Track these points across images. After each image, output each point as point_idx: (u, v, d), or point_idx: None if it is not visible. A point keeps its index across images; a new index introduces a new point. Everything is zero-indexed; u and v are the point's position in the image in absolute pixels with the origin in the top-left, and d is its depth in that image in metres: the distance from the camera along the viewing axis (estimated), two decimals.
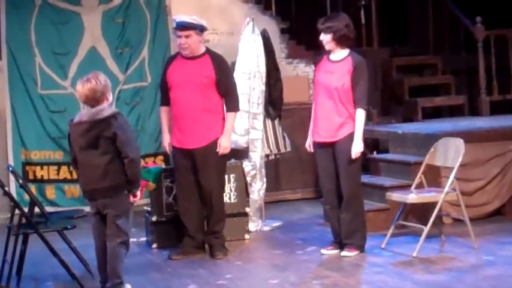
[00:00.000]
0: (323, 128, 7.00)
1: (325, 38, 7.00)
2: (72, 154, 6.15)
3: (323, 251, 7.18)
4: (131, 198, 6.07)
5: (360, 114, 6.91)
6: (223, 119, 7.30)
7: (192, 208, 7.35)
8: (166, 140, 7.37)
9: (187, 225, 7.35)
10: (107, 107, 5.98)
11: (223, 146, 7.25)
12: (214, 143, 7.23)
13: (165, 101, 7.39)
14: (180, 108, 7.23)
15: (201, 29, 7.24)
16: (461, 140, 7.18)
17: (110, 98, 6.05)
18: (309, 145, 7.20)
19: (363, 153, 7.20)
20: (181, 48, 7.25)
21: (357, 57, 7.00)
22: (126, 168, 5.94)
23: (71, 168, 9.78)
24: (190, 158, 7.25)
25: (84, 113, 6.03)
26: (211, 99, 7.23)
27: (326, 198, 7.21)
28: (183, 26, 7.18)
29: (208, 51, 7.35)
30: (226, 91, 7.27)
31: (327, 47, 7.03)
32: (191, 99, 7.21)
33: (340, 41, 6.97)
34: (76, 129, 6.01)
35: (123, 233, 6.03)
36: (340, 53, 7.02)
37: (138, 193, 6.14)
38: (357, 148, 6.87)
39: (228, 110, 7.30)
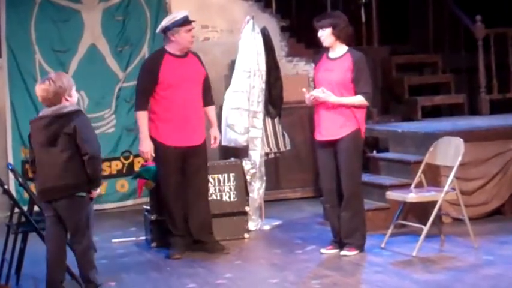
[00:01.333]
0: (325, 126, 7.00)
1: (324, 34, 6.98)
2: (32, 154, 6.04)
3: (322, 250, 7.17)
4: (92, 194, 5.93)
5: (359, 97, 6.88)
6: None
7: (181, 208, 7.36)
8: (151, 146, 7.24)
9: (178, 225, 7.34)
10: (70, 105, 5.90)
11: (219, 137, 7.54)
12: (206, 139, 7.40)
13: (146, 105, 7.28)
14: (181, 107, 7.22)
15: None
16: (461, 139, 7.18)
17: (72, 98, 5.92)
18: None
19: (363, 152, 7.19)
20: (190, 42, 7.30)
21: (356, 53, 7.00)
22: (86, 166, 5.81)
23: None
24: (183, 157, 7.26)
25: (46, 109, 5.95)
26: (200, 95, 7.37)
27: (326, 197, 7.21)
28: (190, 21, 7.30)
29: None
30: (209, 86, 7.48)
31: (326, 43, 7.01)
32: (191, 96, 7.26)
33: (339, 35, 6.95)
34: (36, 125, 5.93)
35: (86, 236, 5.90)
36: (339, 50, 7.00)
37: (98, 190, 6.01)
38: (331, 98, 6.84)
39: (210, 104, 7.49)
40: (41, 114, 5.97)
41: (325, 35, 6.98)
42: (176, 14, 7.42)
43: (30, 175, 9.64)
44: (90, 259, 5.95)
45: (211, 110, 7.50)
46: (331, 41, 6.99)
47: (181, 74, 7.24)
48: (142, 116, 7.27)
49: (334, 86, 6.92)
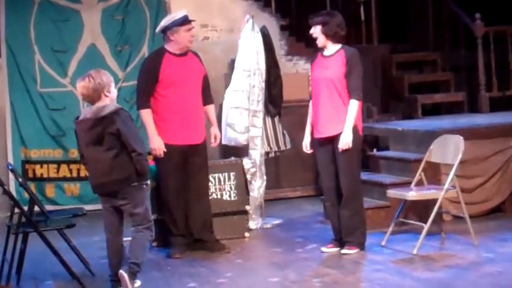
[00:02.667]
0: (322, 123, 7.00)
1: (315, 31, 7.00)
2: (80, 151, 6.26)
3: (323, 248, 7.17)
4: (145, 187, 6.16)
5: (353, 105, 6.88)
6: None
7: (182, 207, 7.36)
8: (161, 142, 7.23)
9: (179, 224, 7.34)
10: (110, 104, 6.06)
11: (219, 136, 7.55)
12: (206, 138, 7.42)
13: (148, 103, 7.28)
14: (181, 106, 7.23)
15: None
16: (461, 137, 7.18)
17: (112, 94, 6.10)
18: (305, 145, 7.18)
19: (363, 150, 7.19)
20: (190, 41, 7.33)
21: (349, 50, 7.01)
22: (134, 162, 6.02)
23: (71, 166, 9.80)
24: (184, 156, 7.26)
25: (87, 111, 6.13)
26: (200, 94, 7.38)
27: (326, 195, 7.21)
28: (190, 20, 7.32)
29: None
30: (208, 85, 7.49)
31: (318, 42, 7.03)
32: (192, 95, 7.28)
33: (328, 33, 6.95)
34: (81, 127, 6.12)
35: (145, 220, 6.12)
36: (333, 48, 7.01)
37: (149, 182, 6.23)
38: (346, 139, 6.83)
39: (210, 103, 7.49)
40: (83, 116, 6.12)
41: (316, 32, 7.01)
42: (175, 14, 7.42)
43: (30, 175, 9.70)
44: (142, 240, 6.14)
45: (210, 109, 7.51)
46: (323, 40, 6.99)
47: (181, 72, 7.25)
48: (147, 114, 7.28)
49: (329, 82, 6.93)
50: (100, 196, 6.21)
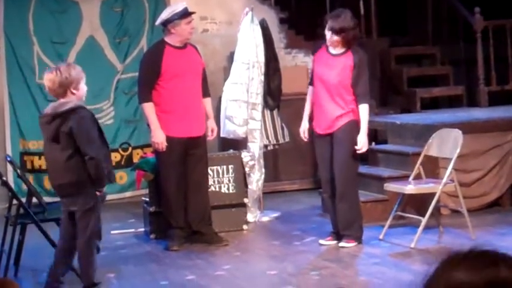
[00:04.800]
0: (321, 121, 7.01)
1: (334, 38, 6.90)
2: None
3: (321, 241, 7.18)
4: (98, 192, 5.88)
5: (364, 109, 6.90)
6: None
7: (182, 200, 7.37)
8: (163, 137, 7.21)
9: (178, 217, 7.33)
10: (73, 101, 5.75)
11: (216, 129, 7.55)
12: (205, 131, 7.43)
13: (150, 96, 7.27)
14: (183, 98, 7.23)
15: None
16: (460, 131, 7.18)
17: (79, 92, 5.80)
18: (303, 131, 7.17)
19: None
20: (190, 33, 7.36)
21: (357, 53, 6.94)
22: (87, 167, 5.70)
23: None
24: (185, 148, 7.26)
25: (50, 105, 5.88)
26: (200, 86, 7.40)
27: (324, 187, 7.21)
28: (190, 13, 7.33)
29: None
30: (205, 77, 7.51)
31: (332, 45, 6.96)
32: (193, 87, 7.30)
33: (350, 41, 6.93)
34: (40, 122, 5.89)
35: (88, 231, 5.79)
36: (340, 47, 6.96)
37: (104, 189, 6.00)
38: (362, 140, 6.86)
39: (207, 96, 7.50)
40: (45, 110, 5.89)
41: (334, 39, 6.89)
42: (176, 6, 7.42)
43: (28, 166, 9.69)
44: (89, 256, 5.83)
45: (207, 102, 7.51)
46: (339, 46, 6.95)
47: (182, 65, 7.26)
48: (149, 107, 7.26)
49: (333, 85, 6.91)
50: (59, 197, 5.99)
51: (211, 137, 7.55)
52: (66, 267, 6.01)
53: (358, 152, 6.88)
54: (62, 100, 5.77)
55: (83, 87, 5.86)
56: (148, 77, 7.28)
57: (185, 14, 7.28)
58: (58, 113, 5.72)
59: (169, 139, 7.24)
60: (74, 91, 5.77)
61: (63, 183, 5.79)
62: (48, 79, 5.77)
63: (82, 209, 5.79)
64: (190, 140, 7.28)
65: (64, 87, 5.73)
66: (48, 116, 5.77)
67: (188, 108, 7.26)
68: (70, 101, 5.74)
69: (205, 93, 7.49)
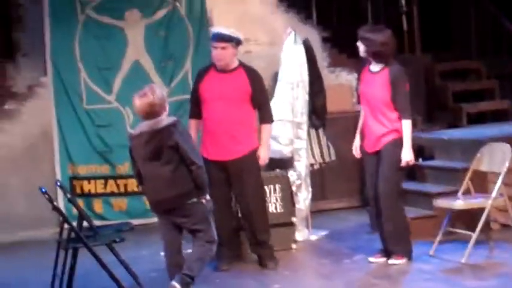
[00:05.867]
0: (368, 139, 7.05)
1: (360, 47, 7.02)
2: (136, 168, 6.13)
3: (371, 259, 7.15)
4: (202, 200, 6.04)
5: (406, 125, 6.89)
6: (255, 130, 7.38)
7: (225, 220, 7.36)
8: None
9: (223, 236, 7.35)
10: (165, 117, 5.98)
11: (263, 157, 7.32)
12: (248, 155, 7.25)
13: (194, 113, 7.37)
14: (215, 123, 7.23)
15: (237, 42, 7.29)
16: (508, 145, 7.13)
17: (167, 108, 6.04)
18: (355, 148, 7.19)
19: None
20: (217, 60, 7.27)
21: (393, 69, 6.93)
22: (193, 175, 5.92)
23: (118, 181, 9.86)
24: (223, 169, 7.27)
25: (143, 124, 6.00)
26: (244, 112, 7.26)
27: (372, 203, 7.19)
28: (219, 38, 7.23)
29: (241, 64, 7.38)
30: (261, 104, 7.34)
31: (361, 54, 7.05)
32: (226, 113, 7.20)
33: (374, 55, 6.95)
34: (137, 141, 6.00)
35: (207, 236, 6.04)
36: (377, 65, 7.00)
37: (208, 197, 6.10)
38: (406, 156, 6.86)
39: (263, 122, 7.37)
40: (139, 130, 6.00)
41: (360, 48, 7.02)
42: (213, 29, 7.44)
43: (78, 191, 9.78)
44: (201, 254, 6.06)
45: (263, 128, 7.36)
46: (365, 55, 7.01)
47: (217, 90, 7.22)
48: (191, 124, 7.38)
49: (374, 102, 6.95)
50: (158, 214, 6.11)
51: (261, 163, 7.41)
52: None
53: (403, 166, 6.85)
54: (157, 119, 5.93)
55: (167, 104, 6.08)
56: (192, 95, 7.44)
57: (212, 38, 7.33)
58: (158, 129, 5.88)
59: (204, 160, 7.29)
60: (166, 108, 6.00)
61: (168, 197, 5.93)
62: (147, 103, 5.90)
63: (195, 220, 5.98)
64: (223, 164, 7.24)
65: (162, 106, 5.94)
66: (146, 134, 5.91)
67: (218, 133, 7.20)
68: (163, 118, 5.95)
69: (262, 119, 7.37)
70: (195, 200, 5.96)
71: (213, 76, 7.30)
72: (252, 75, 7.34)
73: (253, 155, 7.28)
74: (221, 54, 7.22)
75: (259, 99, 7.32)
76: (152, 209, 6.17)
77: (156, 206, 6.07)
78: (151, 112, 5.92)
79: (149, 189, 6.06)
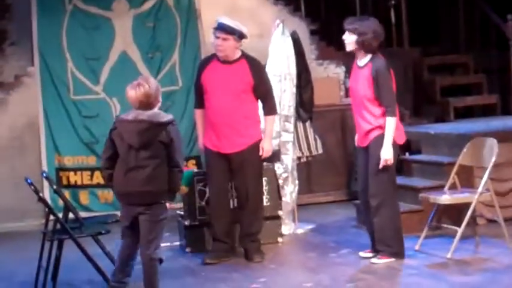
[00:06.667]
0: (358, 133, 7.05)
1: (348, 39, 6.90)
2: (110, 152, 5.95)
3: (361, 253, 7.08)
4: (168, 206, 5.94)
5: (389, 122, 6.76)
6: (258, 122, 7.34)
7: (222, 212, 7.35)
8: (201, 145, 7.42)
9: (216, 228, 7.35)
10: (162, 112, 5.89)
11: (266, 149, 7.28)
12: (251, 148, 7.23)
13: (200, 103, 7.38)
14: (216, 114, 7.21)
15: (239, 35, 7.24)
16: (495, 140, 7.14)
17: (160, 99, 5.95)
18: (356, 140, 7.17)
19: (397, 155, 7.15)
20: (217, 49, 7.24)
21: (376, 63, 6.82)
22: (172, 177, 5.81)
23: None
24: (225, 161, 7.26)
25: (139, 112, 5.84)
26: (247, 104, 7.23)
27: (360, 196, 7.18)
28: (222, 28, 7.19)
29: (244, 55, 7.33)
30: (264, 95, 7.31)
31: (347, 48, 6.96)
32: (228, 104, 7.17)
33: (363, 45, 6.85)
34: (132, 127, 5.82)
35: (157, 241, 5.89)
36: (364, 59, 6.91)
37: (172, 205, 6.09)
38: (385, 155, 6.75)
39: (267, 114, 7.34)
40: (134, 116, 5.83)
41: (348, 40, 6.90)
42: (218, 18, 7.38)
43: (64, 182, 9.75)
44: (157, 268, 5.88)
45: (266, 120, 7.34)
46: (353, 48, 6.91)
47: (218, 81, 7.19)
48: (197, 114, 7.43)
49: (359, 98, 6.89)
50: (124, 205, 5.95)
51: (263, 156, 7.35)
52: (127, 275, 6.01)
53: (382, 167, 6.74)
54: (155, 110, 5.85)
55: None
56: (195, 85, 7.44)
57: (215, 27, 7.28)
58: (159, 122, 5.79)
59: (207, 150, 7.29)
60: (160, 100, 5.92)
61: (143, 191, 5.80)
62: (142, 94, 5.80)
63: (153, 219, 5.83)
64: (225, 156, 7.25)
65: (156, 97, 5.85)
66: (145, 123, 5.78)
67: (220, 124, 7.19)
68: (160, 112, 5.88)
69: (265, 111, 7.34)
70: (162, 202, 5.85)
71: (215, 66, 7.27)
72: (255, 66, 7.30)
73: (256, 147, 7.26)
74: (222, 45, 7.19)
75: (262, 90, 7.28)
76: (121, 200, 5.99)
77: (126, 197, 5.88)
78: (147, 103, 5.82)
79: (122, 178, 5.86)
